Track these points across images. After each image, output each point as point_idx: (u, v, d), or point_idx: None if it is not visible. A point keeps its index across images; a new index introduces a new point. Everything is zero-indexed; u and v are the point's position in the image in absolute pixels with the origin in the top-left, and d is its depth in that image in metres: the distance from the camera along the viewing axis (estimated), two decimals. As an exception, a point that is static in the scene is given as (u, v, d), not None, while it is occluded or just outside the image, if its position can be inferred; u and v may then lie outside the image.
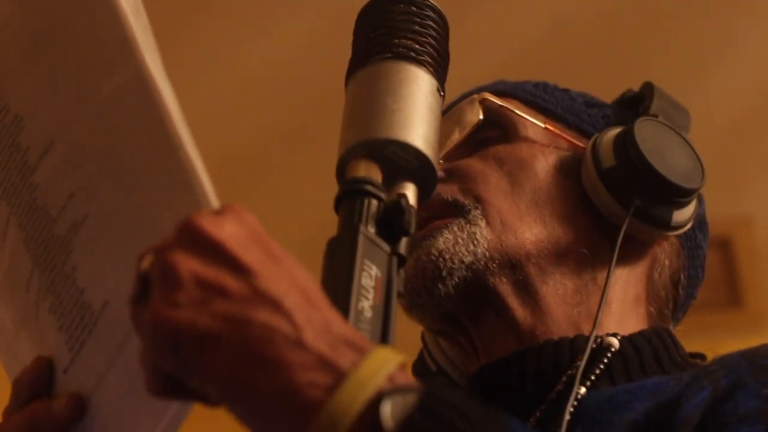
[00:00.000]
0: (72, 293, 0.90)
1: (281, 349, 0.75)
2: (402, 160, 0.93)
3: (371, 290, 0.85)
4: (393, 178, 0.93)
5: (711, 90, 2.83)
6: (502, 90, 1.27)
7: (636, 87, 1.29)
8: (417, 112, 0.94)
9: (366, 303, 0.84)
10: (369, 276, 0.85)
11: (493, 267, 1.16)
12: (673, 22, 2.82)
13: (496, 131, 1.24)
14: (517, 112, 1.24)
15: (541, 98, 1.27)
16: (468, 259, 1.15)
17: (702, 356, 1.19)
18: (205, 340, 0.75)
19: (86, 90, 0.90)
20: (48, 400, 0.91)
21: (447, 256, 1.15)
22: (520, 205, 1.18)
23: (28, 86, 0.94)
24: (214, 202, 0.81)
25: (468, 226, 1.16)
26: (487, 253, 1.16)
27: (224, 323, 0.75)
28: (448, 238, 1.16)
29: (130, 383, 0.85)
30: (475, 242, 1.16)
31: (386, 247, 0.87)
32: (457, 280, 1.15)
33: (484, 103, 1.23)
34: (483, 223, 1.17)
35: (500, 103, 1.24)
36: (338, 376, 0.75)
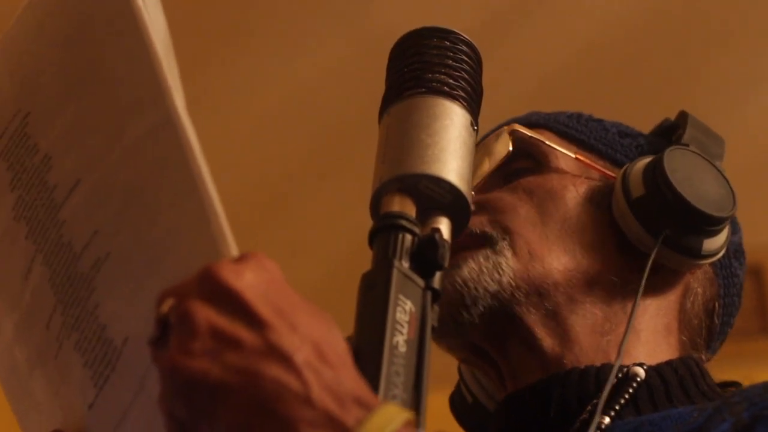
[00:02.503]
0: (95, 329, 0.91)
1: (290, 405, 0.77)
2: (436, 195, 0.93)
3: (406, 325, 0.85)
4: (427, 212, 0.93)
5: (745, 118, 2.82)
6: (535, 121, 1.27)
7: (666, 116, 1.29)
8: (451, 146, 0.95)
9: (400, 338, 0.84)
10: (403, 311, 0.85)
11: (519, 296, 1.16)
12: (705, 51, 2.81)
13: (527, 162, 1.24)
14: (547, 142, 1.23)
15: (574, 129, 1.26)
16: (493, 287, 1.15)
17: (737, 384, 1.18)
18: (217, 391, 0.77)
19: (115, 130, 0.91)
20: None
21: (472, 285, 1.15)
22: (549, 235, 1.18)
23: (58, 126, 0.95)
24: (232, 244, 0.82)
25: (494, 255, 1.16)
26: (513, 282, 1.15)
27: (236, 376, 0.77)
28: (473, 267, 1.16)
29: (151, 419, 0.85)
30: (500, 271, 1.15)
31: (420, 282, 0.88)
32: (482, 308, 1.15)
33: (514, 134, 1.23)
34: (509, 254, 1.16)
35: (530, 134, 1.23)
36: None
